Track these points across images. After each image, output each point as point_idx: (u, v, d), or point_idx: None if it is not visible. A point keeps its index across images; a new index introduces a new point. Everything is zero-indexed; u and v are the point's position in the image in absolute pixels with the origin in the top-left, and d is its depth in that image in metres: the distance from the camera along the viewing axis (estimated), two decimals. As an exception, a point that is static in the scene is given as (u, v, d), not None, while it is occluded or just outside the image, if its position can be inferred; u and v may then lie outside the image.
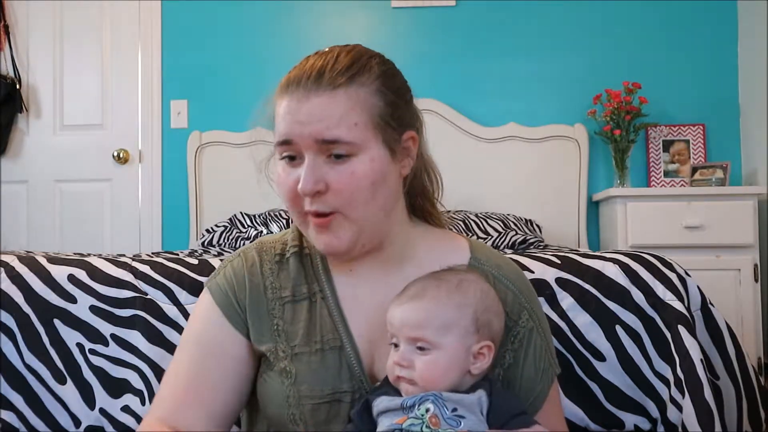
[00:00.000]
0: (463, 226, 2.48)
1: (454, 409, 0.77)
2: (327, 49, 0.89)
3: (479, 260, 0.95)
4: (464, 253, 0.95)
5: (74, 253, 1.65)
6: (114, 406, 1.13)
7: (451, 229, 1.02)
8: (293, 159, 0.86)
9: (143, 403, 1.11)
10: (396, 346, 0.82)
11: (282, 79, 0.89)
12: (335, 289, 0.93)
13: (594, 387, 1.14)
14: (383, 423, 0.79)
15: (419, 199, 0.99)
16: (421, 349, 0.80)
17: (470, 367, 0.81)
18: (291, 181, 0.85)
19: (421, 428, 0.75)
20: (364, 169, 0.84)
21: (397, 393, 0.81)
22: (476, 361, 0.82)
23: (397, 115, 0.88)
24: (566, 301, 1.16)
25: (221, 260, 1.19)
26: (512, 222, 2.58)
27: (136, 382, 1.12)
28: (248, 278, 0.92)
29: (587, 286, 1.16)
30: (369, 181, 0.84)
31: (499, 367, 0.89)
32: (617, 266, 1.18)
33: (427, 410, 0.77)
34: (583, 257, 1.22)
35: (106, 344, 1.15)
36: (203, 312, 0.93)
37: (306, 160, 0.84)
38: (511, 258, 1.19)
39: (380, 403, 0.80)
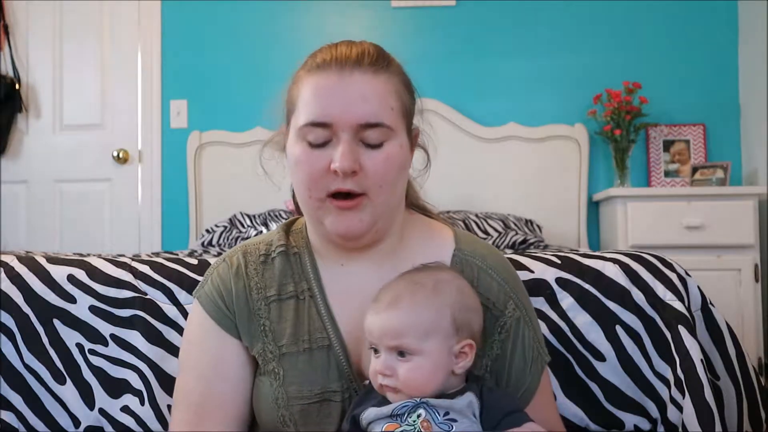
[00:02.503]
0: (463, 226, 2.48)
1: (446, 413, 0.77)
2: (344, 41, 0.89)
3: (464, 251, 0.94)
4: (449, 244, 0.95)
5: (74, 253, 1.64)
6: (113, 406, 1.13)
7: (439, 218, 1.03)
8: (320, 145, 0.84)
9: (142, 403, 1.11)
10: (376, 352, 0.82)
11: (308, 62, 0.88)
12: (323, 287, 0.92)
13: (594, 387, 1.14)
14: (374, 430, 0.78)
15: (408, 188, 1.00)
16: (402, 356, 0.79)
17: (454, 368, 0.81)
18: (319, 162, 0.83)
19: None
20: (396, 154, 0.85)
21: (384, 397, 0.81)
22: (459, 360, 0.81)
23: (413, 108, 0.92)
24: (566, 301, 1.16)
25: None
26: (512, 222, 2.58)
27: (136, 383, 1.12)
28: (234, 282, 0.92)
29: (587, 286, 1.16)
30: (398, 166, 0.86)
31: (487, 358, 0.89)
32: (617, 266, 1.18)
33: (419, 416, 0.77)
34: (583, 257, 1.22)
35: (106, 344, 1.14)
36: (197, 325, 0.93)
37: (343, 138, 0.82)
38: (510, 257, 1.19)
39: (369, 414, 0.79)
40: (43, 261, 1.22)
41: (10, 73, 3.18)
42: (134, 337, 1.14)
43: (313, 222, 0.91)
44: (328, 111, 0.82)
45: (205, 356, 0.91)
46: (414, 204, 1.02)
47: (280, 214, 2.59)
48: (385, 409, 0.78)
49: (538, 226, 2.68)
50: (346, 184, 0.83)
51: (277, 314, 0.91)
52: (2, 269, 1.20)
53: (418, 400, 0.78)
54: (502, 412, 0.78)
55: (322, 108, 0.83)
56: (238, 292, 0.92)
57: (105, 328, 1.15)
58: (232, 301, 0.91)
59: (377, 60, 0.86)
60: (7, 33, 3.20)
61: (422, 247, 0.94)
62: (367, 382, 0.88)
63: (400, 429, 0.76)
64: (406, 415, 0.77)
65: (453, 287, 0.84)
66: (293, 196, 1.03)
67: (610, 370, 1.14)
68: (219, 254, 2.22)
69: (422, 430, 0.75)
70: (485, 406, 0.79)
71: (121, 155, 3.15)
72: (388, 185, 0.85)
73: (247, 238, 2.45)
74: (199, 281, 1.17)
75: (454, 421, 0.76)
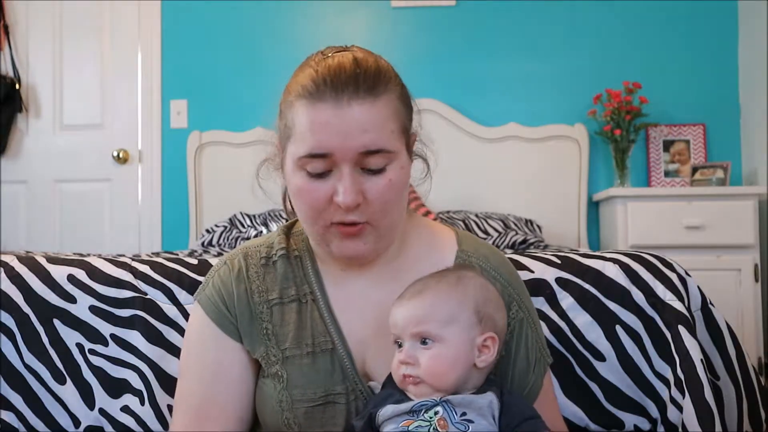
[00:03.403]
0: (463, 226, 2.48)
1: (463, 414, 0.77)
2: (334, 51, 0.84)
3: (466, 252, 0.94)
4: (452, 245, 0.95)
5: (74, 253, 1.64)
6: (113, 406, 1.13)
7: (442, 219, 1.03)
8: (320, 175, 0.82)
9: (142, 403, 1.11)
10: (400, 346, 0.82)
11: (301, 82, 0.81)
12: (326, 291, 0.92)
13: (594, 387, 1.14)
14: (388, 427, 0.78)
15: None
16: (425, 344, 0.80)
17: (475, 361, 0.81)
18: (320, 192, 0.81)
19: (428, 431, 0.75)
20: (397, 178, 0.83)
21: (403, 396, 0.81)
22: (481, 354, 0.81)
23: (411, 118, 0.89)
24: (566, 301, 1.16)
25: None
26: (512, 222, 2.58)
27: (136, 383, 1.12)
28: (235, 285, 0.92)
29: (587, 286, 1.16)
30: (400, 188, 0.84)
31: None
32: (617, 266, 1.18)
33: (436, 413, 0.77)
34: (583, 257, 1.22)
35: (106, 344, 1.14)
36: (198, 328, 0.93)
37: (345, 171, 0.80)
38: (510, 257, 1.19)
39: (386, 411, 0.79)
40: (43, 261, 1.22)
41: (10, 73, 3.18)
42: (134, 337, 1.14)
43: (317, 243, 0.90)
44: (327, 144, 0.79)
45: (206, 359, 0.90)
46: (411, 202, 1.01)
47: (280, 214, 2.60)
48: (404, 406, 0.78)
49: (538, 226, 2.68)
50: (350, 216, 0.82)
51: (280, 318, 0.91)
52: (2, 269, 1.20)
53: (437, 399, 0.78)
54: (521, 416, 0.78)
55: (320, 141, 0.79)
56: (240, 296, 0.91)
57: (105, 328, 1.15)
58: (234, 304, 0.91)
59: (375, 83, 0.80)
60: (7, 33, 3.20)
61: (425, 249, 0.94)
62: (373, 383, 0.88)
63: (416, 423, 0.76)
64: (423, 412, 0.77)
65: (477, 282, 0.85)
66: (290, 206, 1.02)
67: (610, 370, 1.14)
68: (219, 254, 2.22)
69: (438, 428, 0.75)
70: (504, 409, 0.78)
71: (121, 155, 3.15)
72: (391, 209, 0.84)
73: (247, 238, 2.45)
74: (199, 281, 1.17)
75: (471, 422, 0.76)
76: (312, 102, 0.80)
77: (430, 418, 0.76)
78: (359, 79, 0.79)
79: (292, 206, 1.00)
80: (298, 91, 0.81)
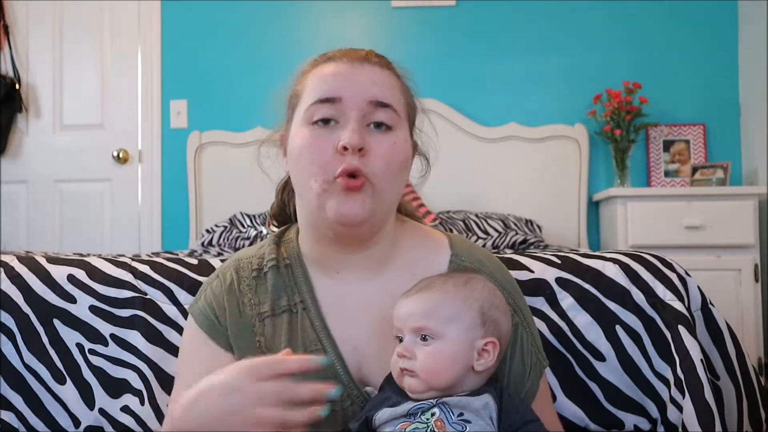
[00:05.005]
0: (463, 226, 2.48)
1: (460, 414, 0.77)
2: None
3: (460, 257, 0.94)
4: (444, 250, 0.95)
5: (74, 253, 1.64)
6: (113, 406, 1.13)
7: (439, 222, 1.04)
8: (327, 123, 0.85)
9: (142, 403, 1.11)
10: (401, 340, 0.82)
11: (315, 59, 0.91)
12: (317, 298, 0.91)
13: (594, 387, 1.14)
14: (385, 430, 0.78)
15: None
16: (424, 339, 0.80)
17: (473, 363, 0.81)
18: (325, 143, 0.84)
19: None
20: (402, 145, 0.87)
21: (399, 397, 0.81)
22: (480, 358, 0.81)
23: (415, 112, 0.94)
24: (566, 301, 1.16)
25: (222, 260, 1.19)
26: (512, 222, 2.58)
27: (136, 382, 1.12)
28: (227, 299, 0.92)
29: (587, 286, 1.16)
30: (403, 157, 0.87)
31: None
32: (617, 266, 1.18)
33: (433, 415, 0.76)
34: (583, 257, 1.22)
35: (106, 344, 1.14)
36: (191, 339, 0.93)
37: (352, 117, 0.84)
38: (510, 257, 1.19)
39: (383, 414, 0.79)
40: (43, 261, 1.22)
41: (10, 73, 3.18)
42: (134, 337, 1.14)
43: (313, 213, 0.88)
44: (338, 89, 0.85)
45: (199, 369, 0.89)
46: (408, 214, 1.02)
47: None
48: (400, 409, 0.78)
49: (538, 226, 2.68)
50: (354, 162, 0.82)
51: (271, 330, 0.90)
52: (2, 269, 1.20)
53: (434, 401, 0.78)
54: (522, 419, 0.78)
55: (331, 87, 0.85)
56: (232, 309, 0.91)
57: (105, 328, 1.15)
58: (225, 317, 0.91)
59: (383, 60, 0.91)
60: (7, 33, 3.20)
61: (417, 254, 0.94)
62: (369, 388, 0.88)
63: (413, 426, 0.76)
64: (420, 414, 0.77)
65: (485, 285, 0.86)
66: (273, 211, 1.02)
67: (610, 370, 1.14)
68: (219, 254, 2.22)
69: (435, 429, 0.75)
70: (504, 411, 0.78)
71: (121, 155, 3.15)
72: (392, 173, 0.85)
73: (247, 238, 2.45)
74: (199, 281, 1.17)
75: (468, 422, 0.76)
76: (326, 63, 0.89)
77: (427, 419, 0.76)
78: (369, 54, 0.89)
79: (282, 199, 1.00)
80: (313, 63, 0.91)
